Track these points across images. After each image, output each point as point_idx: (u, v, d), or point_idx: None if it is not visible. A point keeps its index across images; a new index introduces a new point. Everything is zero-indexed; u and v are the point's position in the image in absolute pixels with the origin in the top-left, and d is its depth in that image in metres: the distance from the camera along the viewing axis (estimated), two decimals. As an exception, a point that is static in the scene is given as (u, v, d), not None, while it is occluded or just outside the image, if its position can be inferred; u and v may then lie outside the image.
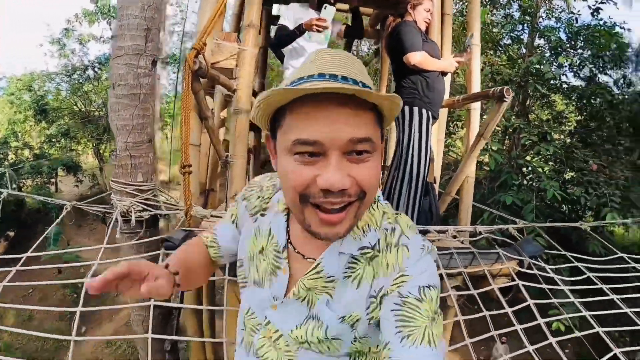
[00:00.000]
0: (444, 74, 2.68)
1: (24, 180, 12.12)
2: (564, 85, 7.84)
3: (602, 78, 8.49)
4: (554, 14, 9.46)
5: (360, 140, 0.59)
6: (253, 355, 0.79)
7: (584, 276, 2.36)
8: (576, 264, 2.41)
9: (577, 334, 2.04)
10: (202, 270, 0.95)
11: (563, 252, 2.51)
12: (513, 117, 6.97)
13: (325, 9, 2.73)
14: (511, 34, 8.02)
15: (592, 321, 2.01)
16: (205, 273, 0.98)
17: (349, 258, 0.71)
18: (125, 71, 2.30)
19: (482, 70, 6.96)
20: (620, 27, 7.68)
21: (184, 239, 1.92)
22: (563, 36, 7.89)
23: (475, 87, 2.93)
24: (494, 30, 7.89)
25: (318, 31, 2.68)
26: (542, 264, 2.23)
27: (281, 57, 3.18)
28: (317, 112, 0.58)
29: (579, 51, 7.90)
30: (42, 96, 14.12)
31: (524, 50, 8.50)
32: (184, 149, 2.06)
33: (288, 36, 2.78)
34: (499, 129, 7.45)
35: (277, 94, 0.58)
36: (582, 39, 7.72)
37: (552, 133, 6.48)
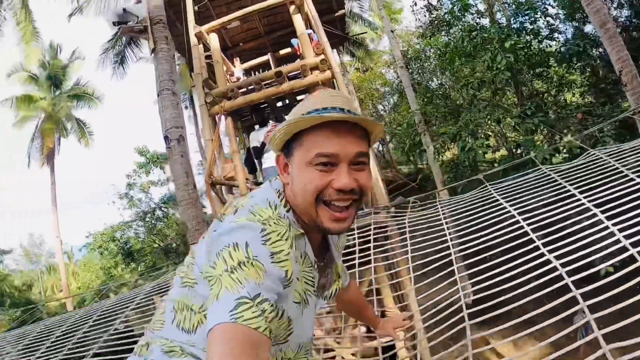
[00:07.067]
0: None
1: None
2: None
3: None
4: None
5: (361, 154, 0.82)
6: None
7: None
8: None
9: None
10: None
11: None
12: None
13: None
14: (476, 42, 8.21)
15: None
16: None
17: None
18: (182, 194, 5.00)
19: (465, 83, 8.43)
20: None
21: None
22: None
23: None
24: (463, 43, 8.30)
25: None
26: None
27: (252, 165, 5.63)
28: (334, 133, 0.80)
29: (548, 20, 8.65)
30: (125, 242, 16.63)
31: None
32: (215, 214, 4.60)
33: (259, 150, 5.12)
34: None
35: (310, 119, 0.79)
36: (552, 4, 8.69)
37: (545, 104, 7.72)
